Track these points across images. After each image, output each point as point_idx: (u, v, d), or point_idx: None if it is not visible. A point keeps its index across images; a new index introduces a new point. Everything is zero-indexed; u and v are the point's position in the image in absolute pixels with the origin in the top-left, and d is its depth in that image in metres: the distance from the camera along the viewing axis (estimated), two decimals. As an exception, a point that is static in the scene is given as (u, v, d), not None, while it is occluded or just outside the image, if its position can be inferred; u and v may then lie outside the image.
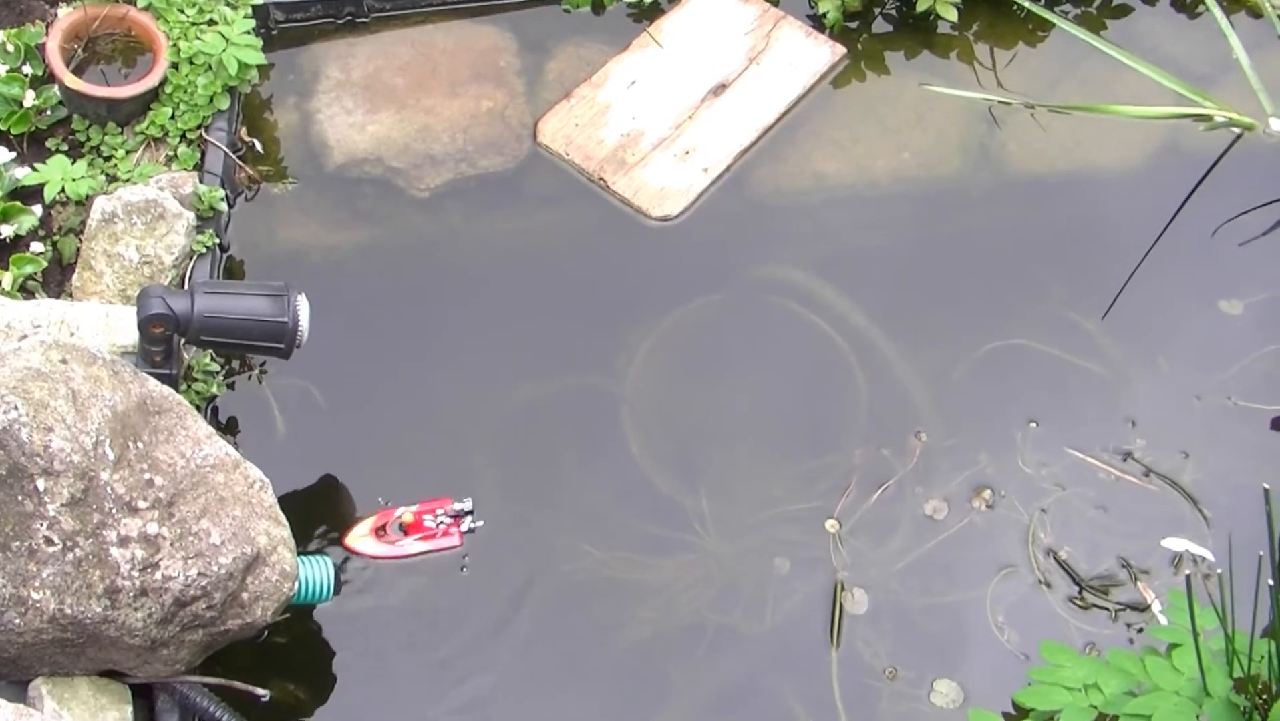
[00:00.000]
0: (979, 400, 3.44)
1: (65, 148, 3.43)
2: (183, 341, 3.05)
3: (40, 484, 2.49)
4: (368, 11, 3.86)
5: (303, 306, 2.99)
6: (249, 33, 3.48)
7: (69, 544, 2.52)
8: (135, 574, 2.55)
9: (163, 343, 2.96)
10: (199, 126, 3.49)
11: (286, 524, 2.79)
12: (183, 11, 3.51)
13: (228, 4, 3.57)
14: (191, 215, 3.33)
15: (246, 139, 3.63)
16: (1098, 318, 3.55)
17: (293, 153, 3.69)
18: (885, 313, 3.53)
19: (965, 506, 3.27)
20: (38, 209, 3.30)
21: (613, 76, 3.83)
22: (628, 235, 3.62)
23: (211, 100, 3.49)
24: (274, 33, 3.80)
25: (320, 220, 3.61)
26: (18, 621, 2.54)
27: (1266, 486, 2.37)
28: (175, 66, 3.47)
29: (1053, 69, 3.96)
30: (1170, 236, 3.71)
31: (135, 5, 3.48)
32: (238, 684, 2.84)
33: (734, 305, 3.55)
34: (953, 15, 3.90)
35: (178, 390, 2.92)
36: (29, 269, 3.20)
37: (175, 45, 3.47)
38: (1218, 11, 3.84)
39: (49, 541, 2.51)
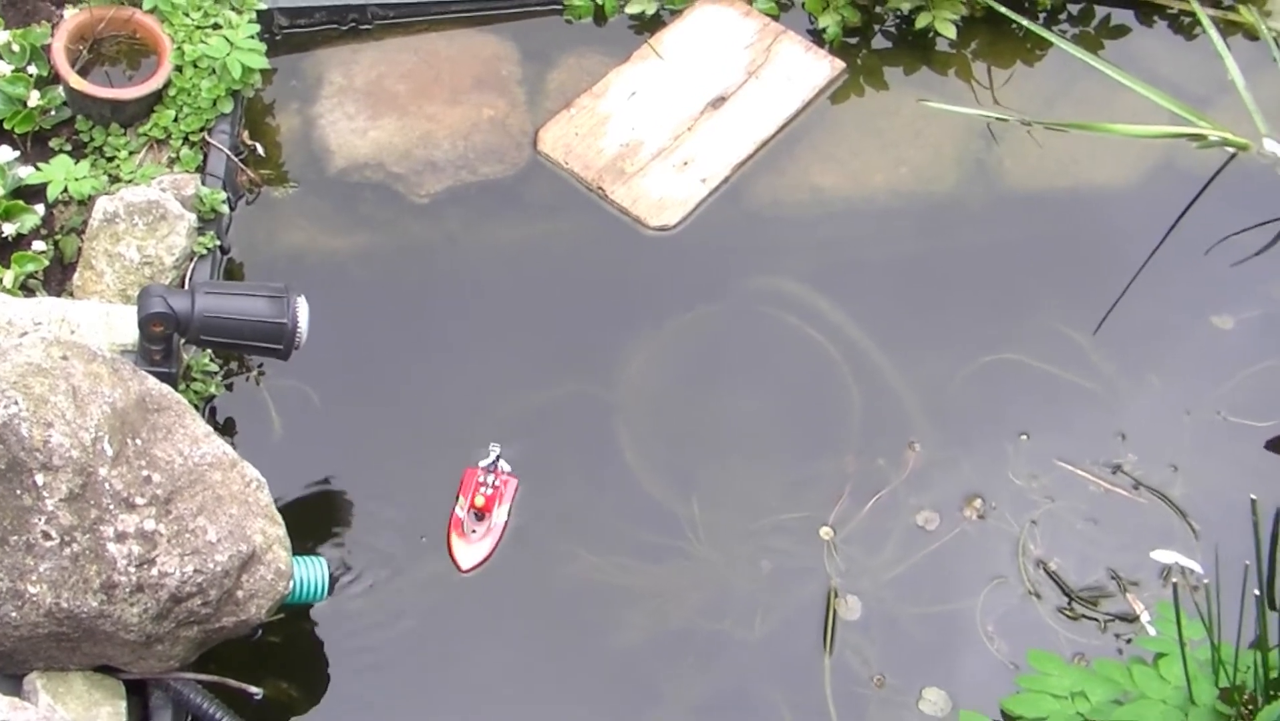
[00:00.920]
0: (972, 412, 3.46)
1: (69, 148, 3.45)
2: (182, 341, 3.07)
3: (39, 479, 2.51)
4: (371, 19, 3.89)
5: (302, 308, 3.01)
6: (253, 37, 3.49)
7: (66, 538, 2.53)
8: (132, 569, 2.56)
9: (162, 341, 2.98)
10: (202, 129, 3.51)
11: (282, 523, 2.80)
12: (188, 15, 3.53)
13: (232, 8, 3.58)
14: (193, 217, 3.35)
15: (249, 142, 3.65)
16: (1090, 332, 3.57)
17: (294, 157, 3.71)
18: (880, 325, 3.55)
19: (957, 516, 3.29)
20: (40, 208, 3.31)
21: (613, 87, 3.86)
22: (625, 244, 3.64)
23: (215, 103, 3.50)
24: (278, 38, 3.82)
25: (320, 224, 3.63)
26: (14, 615, 2.55)
27: (1254, 497, 2.40)
28: (179, 69, 3.48)
29: (1050, 87, 3.99)
30: (1164, 253, 3.73)
31: (141, 8, 3.49)
32: (231, 681, 2.85)
33: (730, 315, 3.57)
34: (951, 33, 3.93)
35: (176, 389, 2.93)
36: (30, 267, 3.22)
37: (180, 48, 3.48)
38: (1214, 33, 3.88)
39: (47, 536, 2.52)
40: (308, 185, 3.69)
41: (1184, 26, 4.08)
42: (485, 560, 3.09)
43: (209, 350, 3.28)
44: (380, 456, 3.30)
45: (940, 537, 3.26)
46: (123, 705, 2.74)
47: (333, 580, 2.99)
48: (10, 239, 3.29)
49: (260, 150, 3.67)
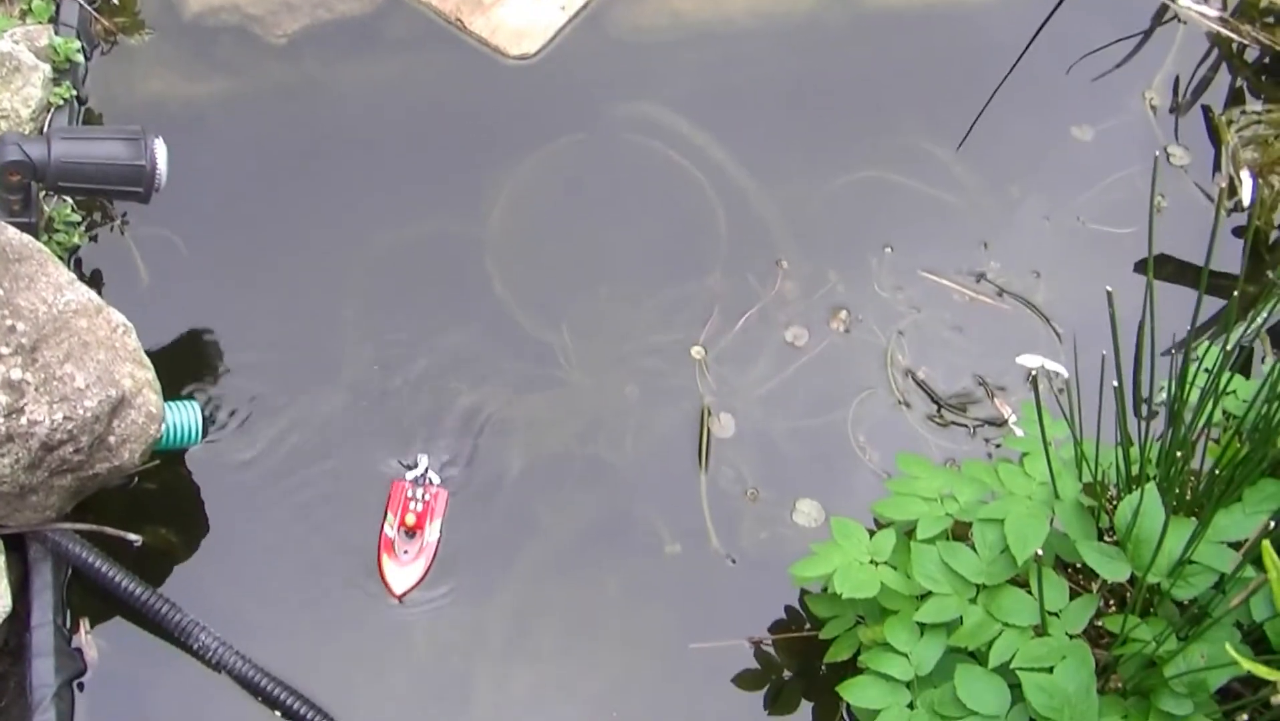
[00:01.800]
0: (837, 229, 3.49)
1: (-86, 2, 3.38)
2: (41, 191, 3.03)
3: (-101, 333, 2.49)
4: None
5: (160, 149, 2.96)
6: (101, -119, 3.43)
7: (-68, 394, 2.51)
8: (1, 420, 2.54)
9: (20, 190, 2.92)
10: (53, -22, 3.45)
11: (151, 367, 2.78)
12: None
13: None
14: (47, 68, 3.28)
15: (101, -10, 3.59)
16: (953, 148, 3.60)
17: (149, 3, 3.63)
18: (744, 147, 3.56)
19: (825, 331, 3.32)
20: (-113, 65, 3.25)
21: (466, -81, 3.81)
22: (486, 76, 3.61)
23: (66, -48, 3.44)
24: (124, -119, 3.74)
25: (178, 71, 3.57)
26: (-118, 473, 2.53)
27: (1109, 289, 2.43)
28: (26, -84, 3.41)
29: (908, -98, 3.98)
30: (1025, 68, 3.77)
31: None
32: (109, 529, 2.84)
33: (594, 144, 3.56)
34: None
35: (38, 240, 2.89)
36: (-120, 123, 3.16)
37: (24, -106, 3.41)
38: None
39: (-89, 392, 2.51)
40: (163, 32, 3.62)
41: None
42: (419, 582, 2.96)
43: (70, 199, 3.24)
44: (249, 300, 3.27)
45: (809, 352, 3.29)
46: (1, 560, 2.72)
47: (206, 423, 2.98)
48: None
49: (114, -2, 3.61)
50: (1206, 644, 2.44)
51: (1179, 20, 3.94)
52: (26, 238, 2.74)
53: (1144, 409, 2.78)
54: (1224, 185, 3.62)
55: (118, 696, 2.79)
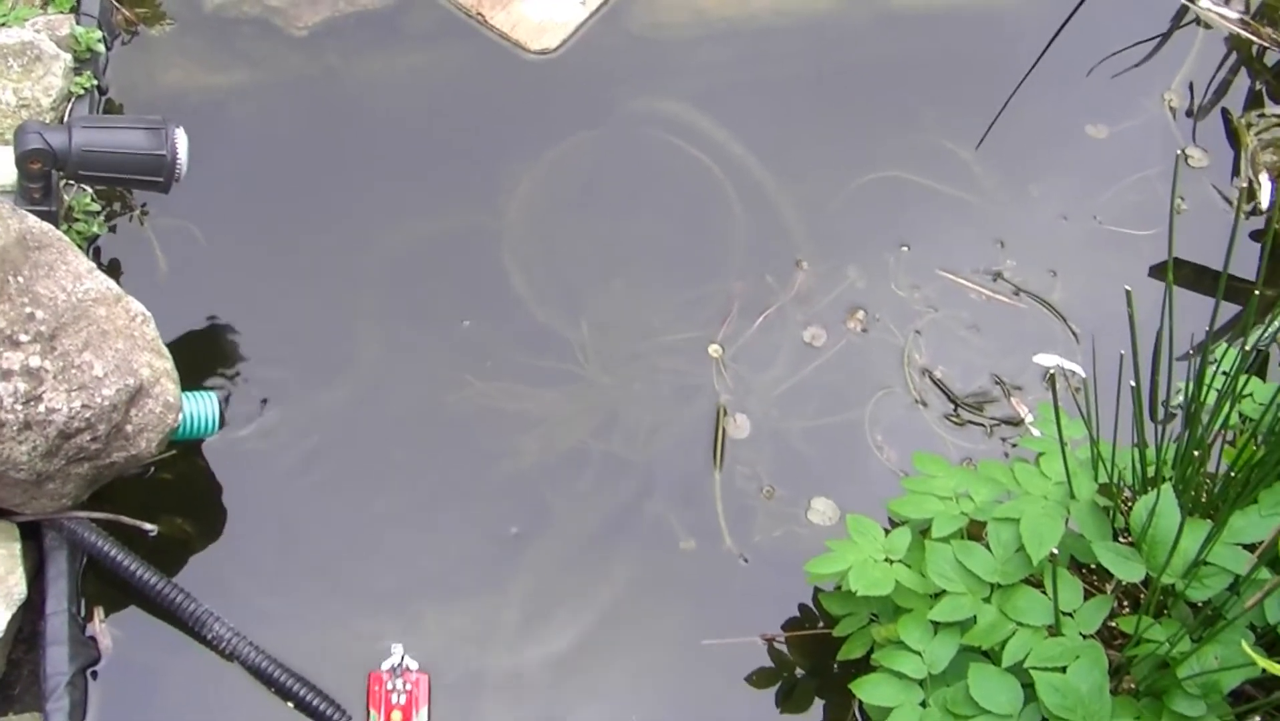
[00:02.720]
0: (856, 228, 3.48)
1: (-63, -9, 3.39)
2: (62, 179, 3.04)
3: (-82, 319, 2.49)
4: None
5: (181, 139, 2.97)
6: (125, -126, 3.44)
7: (-50, 380, 2.52)
8: (19, 407, 2.54)
9: (41, 179, 2.93)
10: (75, -32, 3.46)
11: (169, 356, 2.79)
12: None
13: None
14: (69, 57, 3.30)
15: (124, -20, 3.60)
16: (972, 146, 3.60)
17: (170, -7, 3.67)
18: (764, 145, 3.56)
19: (842, 330, 3.32)
20: (-91, 53, 3.26)
21: (489, -86, 3.81)
22: (507, 70, 3.62)
23: (87, -57, 3.45)
24: (149, -126, 3.75)
25: (198, 62, 3.57)
26: (-99, 460, 2.54)
27: (1128, 288, 2.43)
28: (49, -94, 3.42)
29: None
30: (1045, 68, 3.76)
31: None
32: (125, 519, 2.85)
33: (615, 139, 3.56)
34: None
35: (58, 228, 2.90)
36: (-97, 112, 3.18)
37: (49, -115, 3.42)
38: None
39: (-71, 379, 2.51)
40: (184, 22, 3.62)
41: None
42: None
43: (90, 188, 3.26)
44: (267, 291, 3.28)
45: (826, 352, 3.29)
46: (17, 547, 2.73)
47: (223, 414, 2.99)
48: (-121, 85, 3.23)
49: (135, -13, 3.62)
50: (1220, 645, 2.43)
51: (1199, 22, 3.94)
52: (47, 226, 2.75)
53: (1161, 410, 2.78)
54: (1243, 188, 3.61)
55: (131, 685, 2.80)
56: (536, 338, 3.27)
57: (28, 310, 2.60)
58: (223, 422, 2.98)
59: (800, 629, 2.96)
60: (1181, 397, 2.79)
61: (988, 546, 2.62)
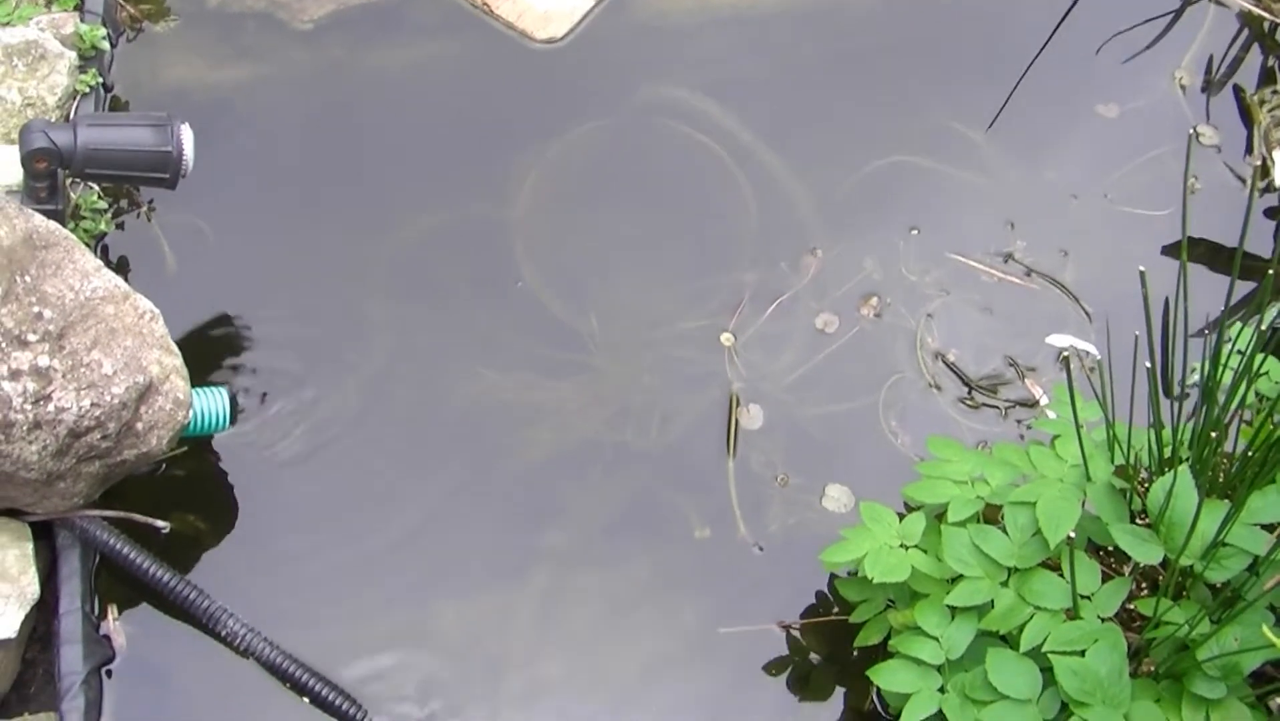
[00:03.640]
0: (866, 213, 3.46)
1: (-61, -8, 3.38)
2: (68, 178, 3.03)
3: (-74, 321, 2.48)
4: None
5: (186, 135, 2.96)
6: None
7: (-41, 382, 2.51)
8: (28, 407, 2.53)
9: (47, 178, 2.92)
10: (77, -34, 3.45)
11: (179, 353, 2.77)
12: None
13: None
14: (73, 55, 3.29)
15: (127, -24, 3.59)
16: (982, 129, 3.58)
17: (174, -10, 3.66)
18: (773, 132, 3.55)
19: (854, 316, 3.30)
20: (-87, 53, 3.25)
21: (493, -97, 3.80)
22: (513, 60, 3.60)
23: (90, -59, 3.44)
24: None
25: (204, 57, 3.56)
26: (-90, 462, 2.53)
27: (1142, 269, 2.41)
28: (50, -96, 3.41)
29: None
30: (1053, 49, 3.74)
31: None
32: (137, 516, 2.84)
33: (623, 128, 3.54)
34: None
35: (65, 227, 2.89)
36: (-93, 113, 3.17)
37: (49, -118, 3.41)
38: None
39: (-62, 380, 2.50)
40: (188, 18, 3.61)
41: None
42: None
43: (97, 186, 3.25)
44: (276, 287, 3.27)
45: (839, 339, 3.28)
46: (29, 547, 2.73)
47: (233, 409, 2.98)
48: (-117, 86, 3.22)
49: (139, -15, 3.61)
50: (1240, 626, 2.42)
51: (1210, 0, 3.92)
52: (53, 224, 2.73)
53: (1176, 390, 2.76)
54: (1256, 165, 3.59)
55: (146, 683, 2.79)
56: (547, 328, 3.26)
57: (35, 309, 2.59)
58: (234, 418, 2.98)
59: (817, 616, 2.95)
60: (1197, 377, 2.77)
61: (1004, 530, 2.61)
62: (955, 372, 3.24)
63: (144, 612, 2.84)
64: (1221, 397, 2.66)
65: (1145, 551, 2.49)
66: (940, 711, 2.55)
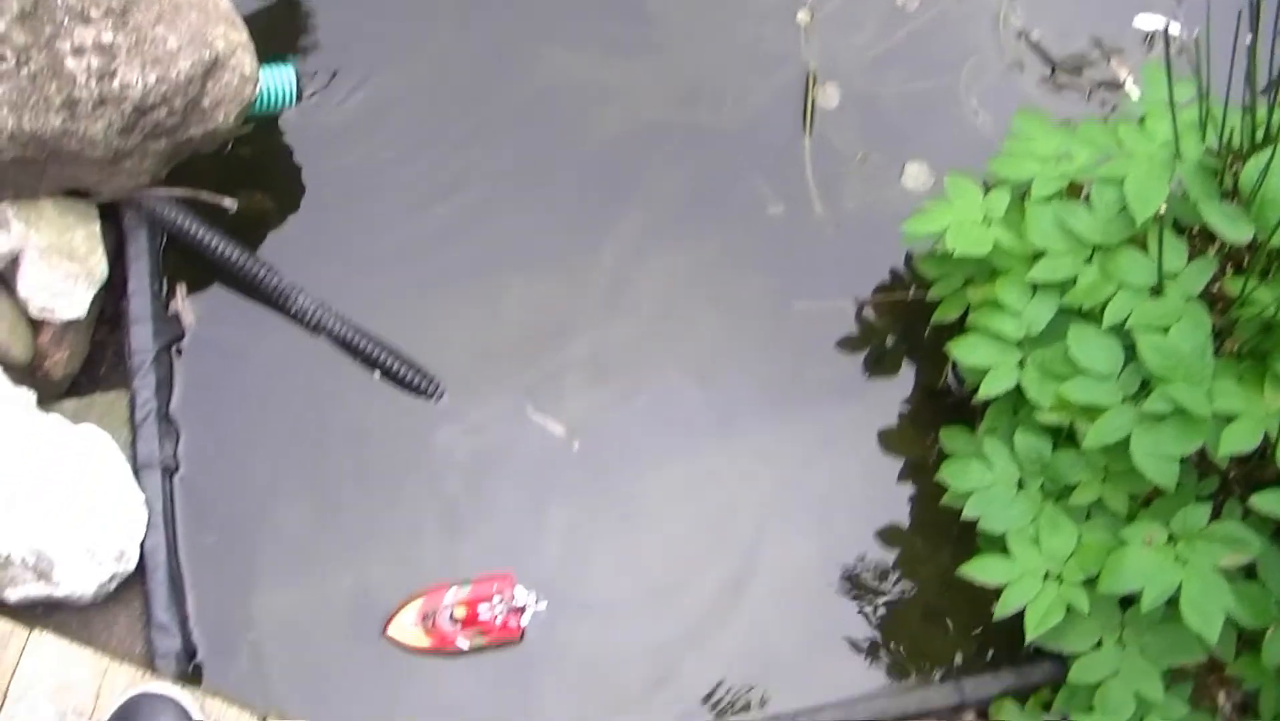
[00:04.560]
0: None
1: None
2: None
3: (-14, -4, 2.42)
4: None
5: None
6: None
7: (22, 58, 2.45)
8: (93, 83, 2.49)
9: None
10: None
11: (244, 28, 2.71)
12: None
13: None
14: None
15: None
16: None
17: None
18: None
19: (935, -7, 3.23)
20: None
21: None
22: None
23: None
24: None
25: None
26: (-25, 141, 2.50)
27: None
28: None
29: None
30: None
31: None
32: (204, 194, 2.82)
33: None
34: None
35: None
36: None
37: None
38: None
39: (1, 58, 2.45)
40: None
41: None
42: (409, 651, 2.70)
43: None
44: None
45: (919, 16, 3.20)
46: (97, 226, 2.72)
47: (300, 87, 2.92)
48: None
49: None
50: (1326, 304, 2.38)
51: None
52: (114, -105, 2.67)
53: (1275, 69, 2.68)
54: None
55: (215, 360, 2.81)
56: (618, 5, 3.19)
57: (97, -18, 2.54)
58: (299, 96, 2.92)
59: (891, 293, 2.93)
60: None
61: (1089, 206, 2.56)
62: (1038, 52, 3.16)
63: (213, 291, 2.84)
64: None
65: (1235, 229, 2.44)
66: (1018, 385, 2.55)
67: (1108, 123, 2.75)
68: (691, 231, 3.00)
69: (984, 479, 2.60)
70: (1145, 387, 2.43)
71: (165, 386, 2.75)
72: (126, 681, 2.38)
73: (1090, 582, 2.47)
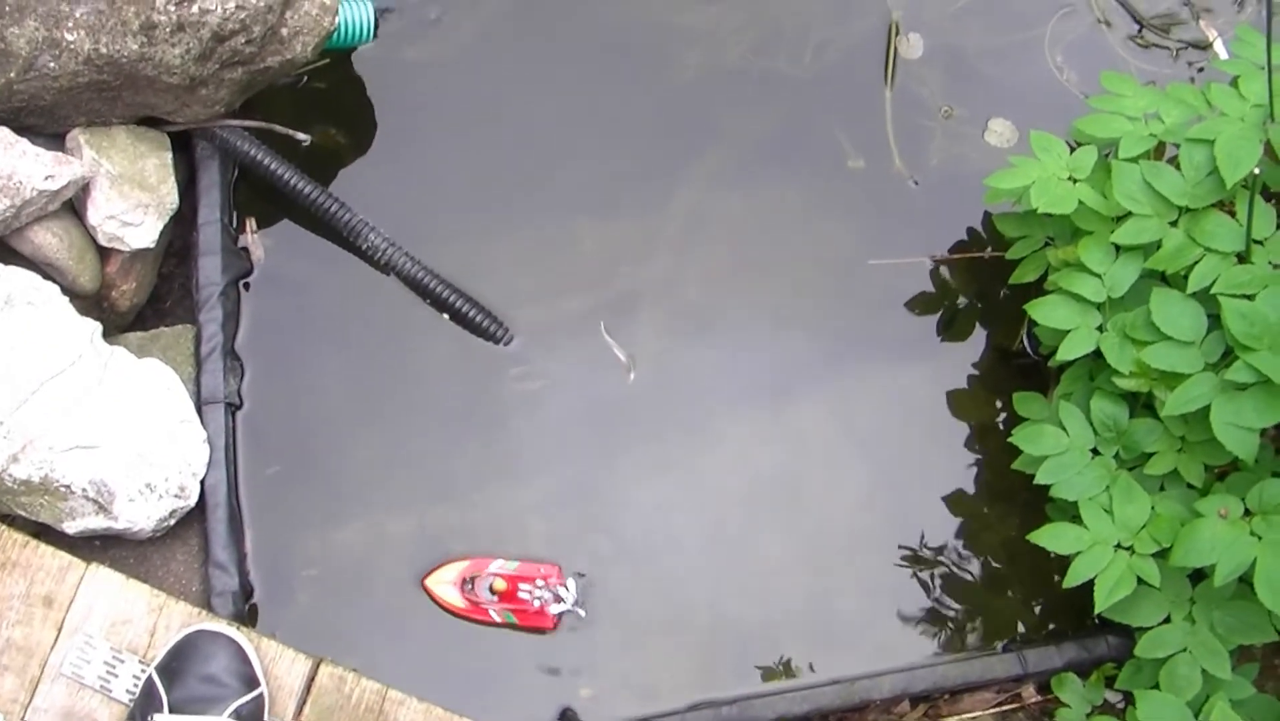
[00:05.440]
0: None
1: None
2: None
3: (67, -85, 2.40)
4: None
5: None
6: None
7: (100, -20, 2.44)
8: (171, 8, 2.46)
9: None
10: None
11: (323, -43, 2.70)
12: None
13: None
14: None
15: None
16: None
17: None
18: None
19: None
20: None
21: None
22: None
23: None
24: None
25: None
26: (53, 65, 2.46)
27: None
28: None
29: None
30: None
31: None
32: (278, 127, 2.80)
33: None
34: None
35: None
36: None
37: None
38: None
39: (79, -21, 2.43)
40: None
41: None
42: (438, 604, 2.67)
43: None
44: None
45: (1007, -33, 3.15)
46: (168, 156, 2.70)
47: (378, 22, 2.89)
48: None
49: None
50: None
51: None
52: None
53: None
54: None
55: (284, 296, 2.79)
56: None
57: (176, -95, 2.51)
58: (377, 31, 2.89)
59: (967, 252, 2.89)
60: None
61: (1178, 168, 2.51)
62: (1126, 9, 3.10)
63: (283, 226, 2.83)
64: None
65: (1327, 195, 2.40)
66: (1097, 349, 2.51)
67: (1195, 85, 2.70)
68: (767, 181, 2.96)
69: (1058, 444, 2.57)
70: (1228, 356, 2.38)
71: (231, 321, 2.73)
72: (181, 619, 2.36)
73: (1162, 555, 2.43)
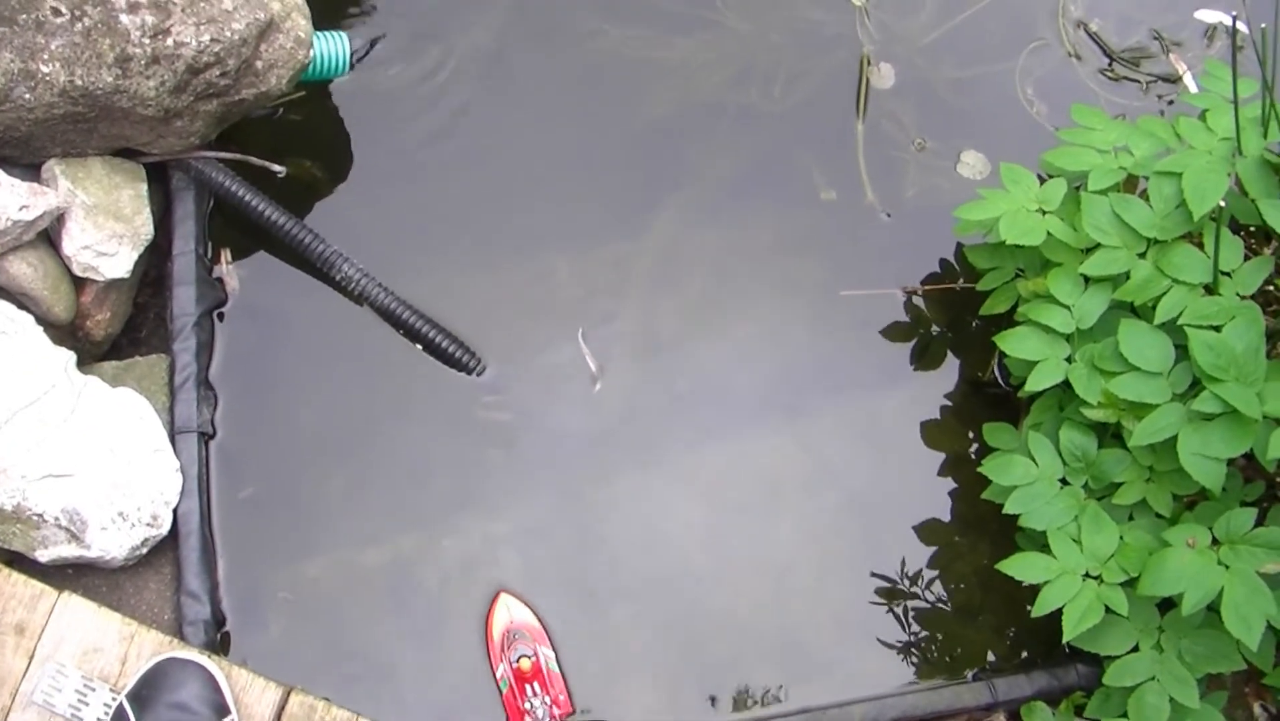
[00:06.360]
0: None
1: None
2: None
3: (42, -52, 2.42)
4: None
5: None
6: None
7: (76, 13, 2.44)
8: (146, 40, 2.48)
9: None
10: None
11: (299, -9, 2.72)
12: None
13: None
14: None
15: None
16: None
17: None
18: None
19: (994, -21, 3.19)
20: None
21: None
22: None
23: None
24: None
25: None
26: (28, 96, 2.47)
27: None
28: None
29: None
30: None
31: None
32: (254, 158, 2.81)
33: None
34: None
35: None
36: None
37: None
38: None
39: (56, 12, 2.43)
40: None
41: None
42: (488, 625, 2.69)
43: None
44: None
45: (978, 2, 3.17)
46: (144, 187, 2.70)
47: (353, 55, 2.91)
48: None
49: None
50: (1384, 307, 2.35)
51: None
52: None
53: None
54: None
55: (258, 326, 2.80)
56: (674, -16, 3.18)
57: (152, -62, 2.53)
58: (352, 65, 2.91)
59: (940, 284, 2.90)
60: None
61: (1146, 200, 2.53)
62: (1097, 43, 3.12)
63: (258, 257, 2.83)
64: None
65: (1293, 228, 2.41)
66: (1066, 380, 2.52)
67: (1164, 118, 2.72)
68: (740, 213, 2.98)
69: (1027, 474, 2.58)
70: (1195, 387, 2.40)
71: (205, 351, 2.74)
72: (153, 648, 2.37)
73: (1130, 584, 2.45)
